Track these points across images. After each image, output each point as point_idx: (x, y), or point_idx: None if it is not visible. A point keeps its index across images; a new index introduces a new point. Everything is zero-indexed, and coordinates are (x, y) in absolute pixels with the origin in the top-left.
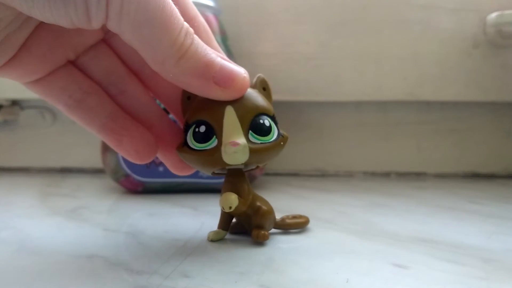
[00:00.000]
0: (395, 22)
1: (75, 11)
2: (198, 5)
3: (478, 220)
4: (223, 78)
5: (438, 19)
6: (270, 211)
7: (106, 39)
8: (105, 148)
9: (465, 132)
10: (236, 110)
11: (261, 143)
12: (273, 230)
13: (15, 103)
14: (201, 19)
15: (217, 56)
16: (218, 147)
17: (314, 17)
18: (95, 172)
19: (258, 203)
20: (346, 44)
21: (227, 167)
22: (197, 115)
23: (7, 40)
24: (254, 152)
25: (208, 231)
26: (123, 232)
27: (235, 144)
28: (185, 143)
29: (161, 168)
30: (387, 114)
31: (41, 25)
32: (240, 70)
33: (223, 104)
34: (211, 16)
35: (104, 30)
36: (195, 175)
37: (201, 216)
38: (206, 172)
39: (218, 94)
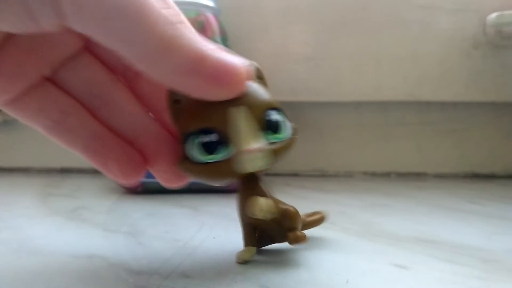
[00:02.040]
0: (395, 23)
1: (11, 9)
2: (198, 5)
3: (478, 220)
4: (218, 74)
5: (438, 19)
6: (297, 211)
7: (88, 46)
8: None
9: (465, 133)
10: (245, 110)
11: (278, 141)
12: None
13: None
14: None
15: (209, 48)
16: (234, 156)
17: (314, 17)
18: (95, 172)
19: (282, 205)
20: (346, 45)
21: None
22: (197, 122)
23: None
24: (274, 153)
25: (208, 231)
26: (123, 232)
27: (255, 150)
28: (186, 156)
29: None
30: (387, 115)
31: (7, 41)
32: (237, 62)
33: (226, 104)
34: (211, 16)
35: (82, 37)
36: None
37: (201, 216)
38: (217, 184)
39: (214, 94)
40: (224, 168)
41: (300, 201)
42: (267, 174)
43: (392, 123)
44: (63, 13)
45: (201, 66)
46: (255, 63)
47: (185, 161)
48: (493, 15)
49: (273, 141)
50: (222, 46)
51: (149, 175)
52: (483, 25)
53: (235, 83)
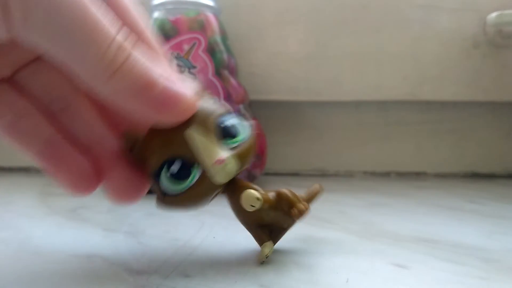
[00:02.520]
0: (395, 22)
1: None
2: (198, 4)
3: (478, 220)
4: (165, 102)
5: (438, 18)
6: (289, 190)
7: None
8: None
9: (465, 132)
10: (197, 127)
11: (240, 143)
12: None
13: None
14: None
15: (161, 76)
16: (204, 174)
17: (314, 17)
18: None
19: (271, 192)
20: (346, 44)
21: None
22: (157, 157)
23: None
24: (240, 156)
25: (208, 231)
26: (123, 232)
27: (220, 161)
28: (163, 193)
29: None
30: (387, 114)
31: None
32: (186, 92)
33: (178, 129)
34: (211, 16)
35: None
36: None
37: (201, 216)
38: (202, 204)
39: (156, 119)
40: (202, 188)
41: None
42: (267, 174)
43: (392, 123)
44: (14, 27)
45: (148, 92)
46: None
47: (165, 198)
48: (493, 14)
49: (234, 145)
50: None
51: None
52: (483, 25)
53: (181, 112)
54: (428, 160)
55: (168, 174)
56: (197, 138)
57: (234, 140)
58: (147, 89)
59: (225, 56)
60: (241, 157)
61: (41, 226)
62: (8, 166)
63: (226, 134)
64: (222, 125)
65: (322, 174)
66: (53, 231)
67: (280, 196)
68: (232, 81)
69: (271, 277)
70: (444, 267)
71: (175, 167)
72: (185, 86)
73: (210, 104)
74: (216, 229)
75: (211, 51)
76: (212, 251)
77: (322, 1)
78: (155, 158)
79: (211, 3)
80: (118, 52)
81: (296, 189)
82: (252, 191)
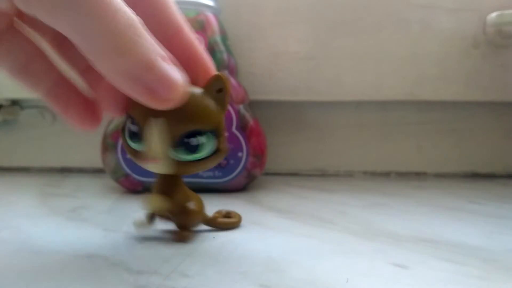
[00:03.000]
0: (395, 22)
1: None
2: (198, 4)
3: (478, 220)
4: (158, 87)
5: (438, 18)
6: (195, 211)
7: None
8: (105, 148)
9: (465, 132)
10: (165, 124)
11: (188, 161)
12: (274, 232)
13: (15, 103)
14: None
15: (160, 56)
16: (143, 154)
17: (314, 16)
18: (95, 172)
19: (187, 203)
20: (346, 44)
21: None
22: (131, 108)
23: None
24: (179, 166)
25: (208, 231)
26: (123, 232)
27: (154, 161)
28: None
29: None
30: (387, 114)
31: None
32: (178, 79)
33: (154, 110)
34: (211, 16)
35: None
36: (195, 175)
37: None
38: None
39: (148, 102)
40: (139, 159)
41: (300, 200)
42: (267, 174)
43: (392, 123)
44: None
45: (147, 74)
46: (221, 74)
47: (123, 135)
48: (493, 14)
49: (182, 158)
50: (224, 49)
51: (149, 175)
52: (483, 25)
53: (169, 99)
54: (428, 160)
55: (127, 132)
56: (157, 128)
57: (189, 156)
58: (147, 70)
59: (225, 56)
60: (179, 166)
61: (41, 226)
62: (8, 165)
63: (184, 148)
64: (186, 138)
65: (322, 174)
66: (53, 231)
67: (182, 212)
68: (232, 81)
69: (271, 277)
70: (444, 267)
71: (131, 126)
72: (179, 74)
73: (197, 111)
74: (216, 229)
75: (211, 51)
76: (212, 251)
77: (322, 1)
78: (131, 107)
79: (211, 3)
80: (127, 28)
81: (296, 189)
82: (156, 200)
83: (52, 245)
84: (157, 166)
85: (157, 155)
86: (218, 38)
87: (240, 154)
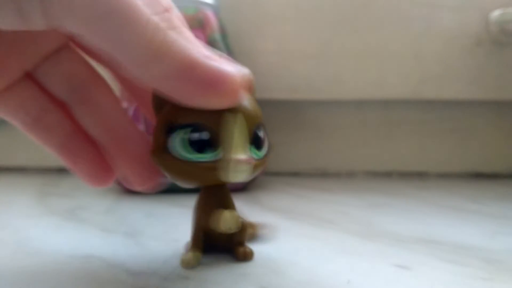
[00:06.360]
0: (397, 20)
1: (4, 11)
2: (197, 2)
3: (481, 220)
4: (210, 81)
5: (440, 17)
6: (249, 225)
7: (74, 38)
8: None
9: (468, 131)
10: (241, 117)
11: (258, 159)
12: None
13: None
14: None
15: (203, 55)
16: (220, 161)
17: (315, 15)
18: None
19: (241, 218)
20: (347, 42)
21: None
22: (189, 116)
23: None
24: (255, 168)
25: None
26: (121, 232)
27: (244, 161)
28: (165, 148)
29: None
30: (389, 113)
31: None
32: (232, 70)
33: (220, 110)
34: (210, 14)
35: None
36: None
37: None
38: (188, 185)
39: (206, 101)
40: (206, 171)
41: (301, 200)
42: (267, 174)
43: (394, 122)
44: (52, 13)
45: (191, 73)
46: (247, 74)
47: (163, 154)
48: (496, 12)
49: (255, 157)
50: (223, 54)
51: None
52: (486, 23)
53: (229, 92)
54: (430, 159)
55: (187, 136)
56: (237, 125)
57: (257, 152)
58: (189, 69)
59: (224, 54)
60: (254, 169)
61: (38, 226)
62: (6, 165)
63: (257, 143)
64: (258, 132)
65: (323, 174)
66: (50, 232)
67: (243, 228)
68: None
69: (271, 278)
70: (446, 268)
71: (197, 135)
72: (231, 66)
73: (255, 106)
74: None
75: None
76: (211, 251)
77: None
78: (185, 115)
79: (210, 1)
80: (156, 34)
81: (297, 189)
82: (228, 215)
83: (49, 246)
84: (244, 169)
85: (245, 154)
86: (217, 36)
87: None
